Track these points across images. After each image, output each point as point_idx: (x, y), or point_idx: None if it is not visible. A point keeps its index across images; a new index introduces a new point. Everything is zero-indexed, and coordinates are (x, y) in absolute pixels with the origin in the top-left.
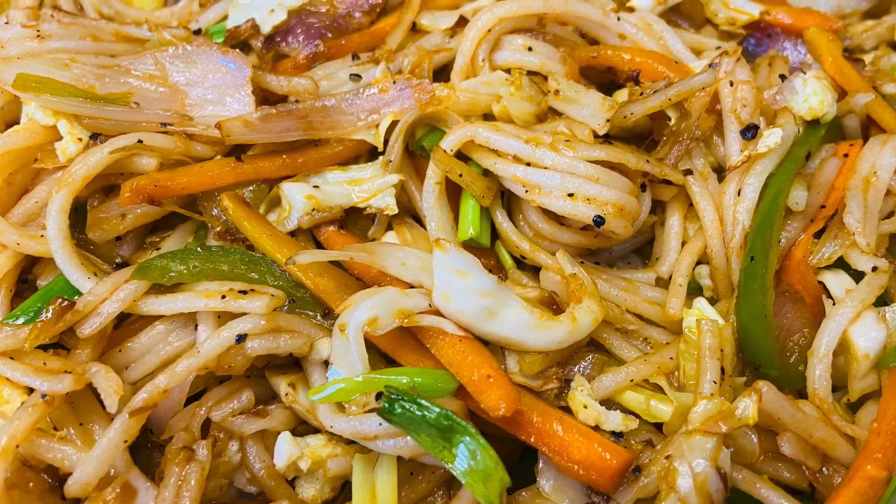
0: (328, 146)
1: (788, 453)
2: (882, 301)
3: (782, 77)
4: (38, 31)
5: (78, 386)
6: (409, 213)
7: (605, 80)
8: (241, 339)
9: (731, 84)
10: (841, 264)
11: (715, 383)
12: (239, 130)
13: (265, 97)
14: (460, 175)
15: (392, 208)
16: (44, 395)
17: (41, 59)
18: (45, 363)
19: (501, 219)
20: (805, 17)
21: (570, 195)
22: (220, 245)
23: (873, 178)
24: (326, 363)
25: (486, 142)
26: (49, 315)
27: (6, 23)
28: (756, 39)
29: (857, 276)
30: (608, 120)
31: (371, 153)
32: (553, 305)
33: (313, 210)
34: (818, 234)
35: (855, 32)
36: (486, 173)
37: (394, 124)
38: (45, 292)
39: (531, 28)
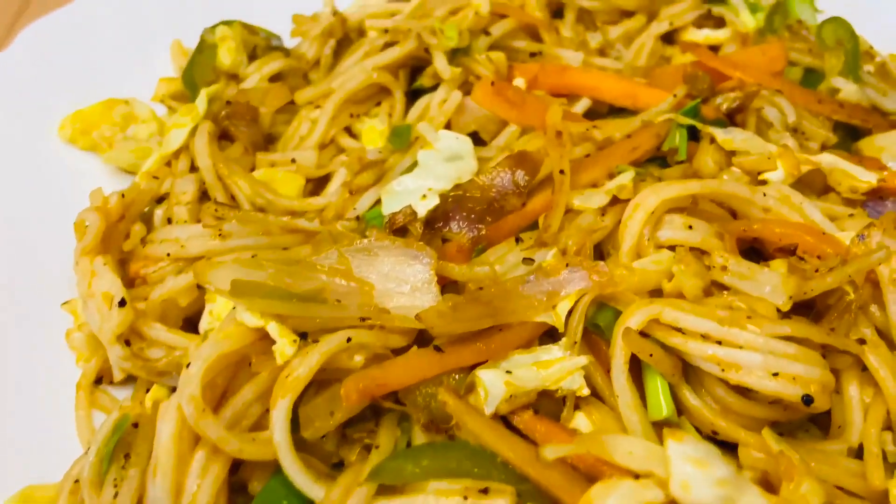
0: (512, 330)
1: None
2: None
3: None
4: (221, 230)
5: None
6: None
7: (742, 247)
8: None
9: None
10: None
11: None
12: (436, 321)
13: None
14: (650, 355)
15: (584, 390)
16: None
17: (238, 262)
18: None
19: (690, 395)
20: None
21: (775, 374)
22: (441, 441)
23: None
24: None
25: (675, 321)
26: None
27: (176, 222)
28: (872, 203)
29: None
30: (791, 297)
31: (545, 334)
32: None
33: (511, 396)
34: None
35: None
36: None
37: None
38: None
39: (685, 206)
